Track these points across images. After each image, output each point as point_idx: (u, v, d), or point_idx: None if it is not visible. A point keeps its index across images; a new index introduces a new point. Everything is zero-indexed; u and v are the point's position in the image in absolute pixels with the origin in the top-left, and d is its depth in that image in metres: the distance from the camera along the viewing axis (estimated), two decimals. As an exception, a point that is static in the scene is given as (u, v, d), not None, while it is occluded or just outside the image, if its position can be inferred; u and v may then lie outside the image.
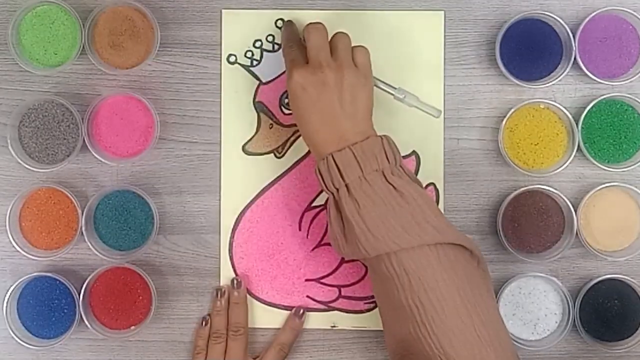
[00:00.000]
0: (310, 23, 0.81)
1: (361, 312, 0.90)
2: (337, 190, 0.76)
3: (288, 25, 0.87)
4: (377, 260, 0.74)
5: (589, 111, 0.87)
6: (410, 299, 0.72)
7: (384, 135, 0.77)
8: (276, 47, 0.91)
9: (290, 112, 0.90)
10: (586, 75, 0.87)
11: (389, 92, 0.84)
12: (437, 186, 0.90)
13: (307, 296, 0.91)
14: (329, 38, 0.81)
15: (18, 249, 0.88)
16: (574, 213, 0.87)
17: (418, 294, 0.72)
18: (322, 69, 0.77)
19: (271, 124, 0.91)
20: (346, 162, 0.75)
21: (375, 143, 0.76)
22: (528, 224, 0.88)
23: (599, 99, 0.87)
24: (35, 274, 0.88)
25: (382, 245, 0.73)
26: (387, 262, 0.73)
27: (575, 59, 0.87)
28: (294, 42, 0.83)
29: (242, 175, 0.91)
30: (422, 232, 0.73)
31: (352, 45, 0.81)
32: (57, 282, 0.88)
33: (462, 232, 0.76)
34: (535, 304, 0.88)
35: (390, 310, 0.76)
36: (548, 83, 0.88)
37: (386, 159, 0.76)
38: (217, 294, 0.89)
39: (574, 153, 0.87)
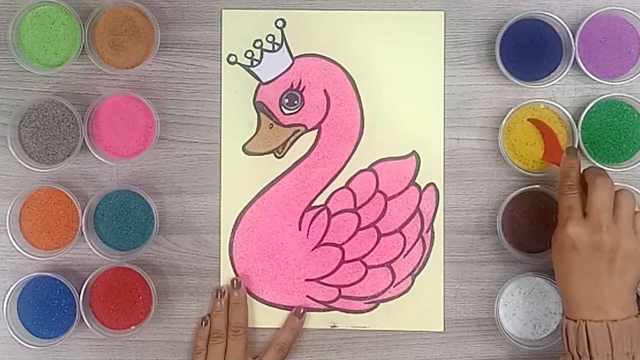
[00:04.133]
0: (600, 175, 0.76)
1: (361, 312, 0.90)
2: (580, 357, 0.73)
3: (571, 157, 0.79)
4: None
5: (588, 111, 0.87)
6: None
7: None
8: (276, 47, 0.91)
9: (290, 111, 0.90)
10: (586, 75, 0.87)
11: None
12: (437, 186, 0.90)
13: (307, 296, 0.91)
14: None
15: (18, 249, 0.88)
16: (573, 213, 0.87)
17: None
18: (601, 232, 0.73)
19: (271, 124, 0.91)
20: (598, 337, 0.72)
21: (634, 325, 0.72)
22: (528, 223, 0.88)
23: (599, 99, 0.87)
24: (35, 273, 0.88)
25: None
26: None
27: (575, 59, 0.87)
28: (576, 185, 0.77)
29: (242, 175, 0.91)
30: None
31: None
32: (57, 282, 0.88)
33: None
34: (535, 304, 0.88)
35: None
36: (548, 83, 0.88)
37: None
38: (217, 294, 0.89)
39: (573, 153, 0.87)
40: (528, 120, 0.86)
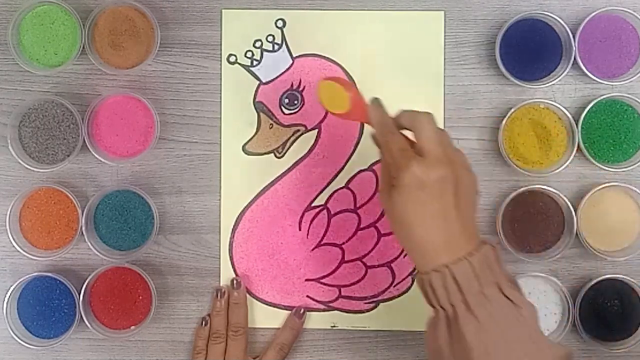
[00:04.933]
0: (420, 112, 0.71)
1: (361, 312, 0.90)
2: (453, 307, 0.66)
3: (378, 106, 0.74)
4: None
5: (588, 111, 0.87)
6: None
7: (491, 242, 0.70)
8: (276, 47, 0.91)
9: (290, 111, 0.90)
10: (586, 75, 0.87)
11: None
12: (437, 186, 0.90)
13: (307, 296, 0.91)
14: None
15: (18, 248, 0.88)
16: (573, 213, 0.87)
17: None
18: (443, 165, 0.68)
19: (271, 124, 0.91)
20: (465, 276, 0.66)
21: (489, 252, 0.68)
22: (528, 223, 0.88)
23: (599, 99, 0.87)
24: (35, 273, 0.88)
25: None
26: None
27: (575, 59, 0.87)
28: (394, 127, 0.72)
29: (242, 175, 0.91)
30: (540, 354, 0.66)
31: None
32: (57, 282, 0.88)
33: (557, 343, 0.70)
34: (535, 304, 0.88)
35: None
36: (548, 83, 0.88)
37: (499, 269, 0.68)
38: (217, 295, 0.89)
39: (573, 153, 0.87)
40: (325, 79, 0.78)
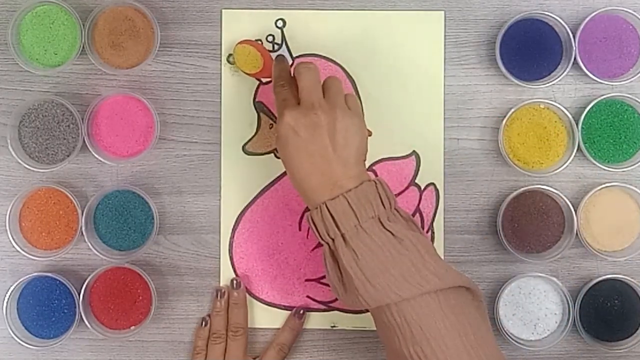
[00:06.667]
0: (302, 62, 0.78)
1: (361, 312, 0.90)
2: (333, 240, 0.72)
3: (279, 62, 0.82)
4: (378, 310, 0.72)
5: (589, 111, 0.87)
6: (413, 350, 0.69)
7: (377, 179, 0.74)
8: (276, 47, 0.91)
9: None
10: (586, 75, 0.87)
11: None
12: (437, 186, 0.90)
13: (307, 296, 0.91)
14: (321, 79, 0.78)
15: (18, 249, 0.88)
16: (574, 213, 0.87)
17: (420, 344, 0.69)
18: (315, 110, 0.73)
19: (271, 124, 0.91)
20: (341, 211, 0.71)
21: (369, 188, 0.72)
22: (528, 224, 0.88)
23: (599, 99, 0.87)
24: (35, 274, 0.88)
25: (382, 296, 0.70)
26: (388, 312, 0.71)
27: (575, 59, 0.87)
28: (285, 81, 0.79)
29: (242, 175, 0.91)
30: (422, 281, 0.70)
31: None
32: (57, 282, 0.88)
33: (460, 272, 0.74)
34: (535, 304, 0.88)
35: (394, 357, 0.73)
36: (548, 83, 0.88)
37: (381, 204, 0.72)
38: (217, 295, 0.89)
39: (574, 153, 0.87)
40: (240, 43, 0.87)
